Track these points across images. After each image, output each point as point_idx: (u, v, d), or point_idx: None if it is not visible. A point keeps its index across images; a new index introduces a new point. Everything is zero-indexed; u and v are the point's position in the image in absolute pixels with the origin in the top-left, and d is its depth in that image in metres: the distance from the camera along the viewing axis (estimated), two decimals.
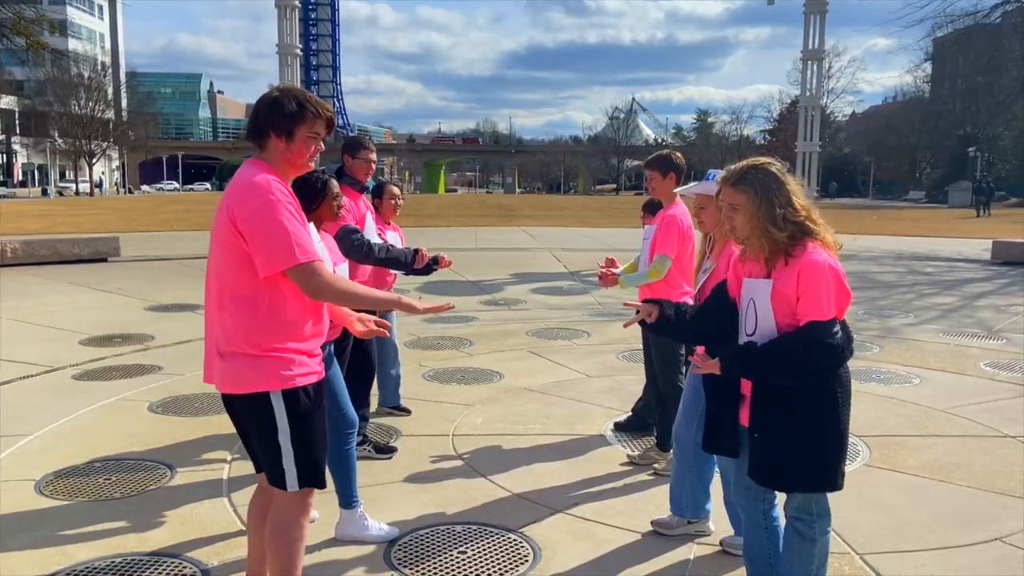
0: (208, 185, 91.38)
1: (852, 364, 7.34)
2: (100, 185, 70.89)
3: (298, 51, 15.34)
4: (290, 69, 15.18)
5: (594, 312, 10.24)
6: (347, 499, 3.72)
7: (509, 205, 46.86)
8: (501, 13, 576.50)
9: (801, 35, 16.70)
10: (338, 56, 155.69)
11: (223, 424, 5.37)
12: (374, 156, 4.85)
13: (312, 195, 3.64)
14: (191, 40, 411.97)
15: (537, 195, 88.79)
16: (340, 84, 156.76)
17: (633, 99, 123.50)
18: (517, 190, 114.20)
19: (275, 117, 2.66)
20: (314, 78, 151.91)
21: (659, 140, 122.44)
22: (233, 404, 2.76)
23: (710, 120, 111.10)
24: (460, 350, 7.90)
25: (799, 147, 17.28)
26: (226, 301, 2.63)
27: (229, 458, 4.74)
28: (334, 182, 3.74)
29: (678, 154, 4.73)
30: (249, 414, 2.73)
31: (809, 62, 16.45)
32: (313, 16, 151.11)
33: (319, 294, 2.63)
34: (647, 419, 5.26)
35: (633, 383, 6.45)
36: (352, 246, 4.36)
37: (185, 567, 3.41)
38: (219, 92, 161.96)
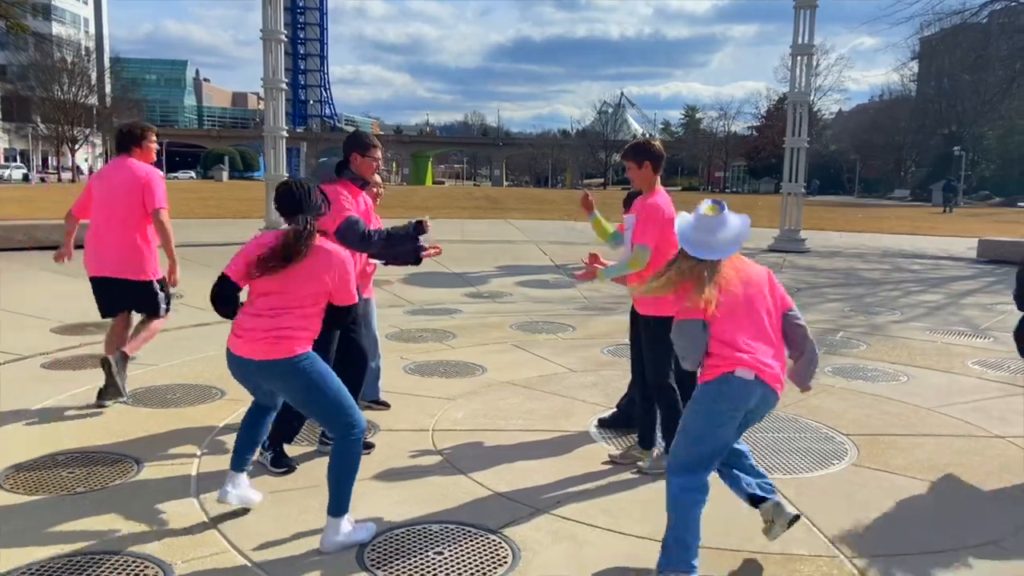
0: (192, 173, 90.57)
1: (838, 361, 7.14)
2: (80, 171, 70.04)
3: (283, 37, 14.97)
4: (274, 56, 14.83)
5: (579, 306, 10.12)
6: (340, 506, 3.44)
7: (496, 197, 46.71)
8: (490, 6, 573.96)
9: (789, 32, 16.64)
10: (326, 45, 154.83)
11: (195, 417, 5.22)
12: (380, 154, 4.73)
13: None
14: (178, 27, 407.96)
15: (524, 188, 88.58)
16: (327, 73, 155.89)
17: (622, 94, 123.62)
18: (504, 183, 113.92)
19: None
20: (301, 67, 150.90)
21: (647, 135, 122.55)
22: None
23: (698, 116, 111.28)
24: (443, 343, 7.76)
25: (787, 143, 17.10)
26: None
27: (199, 453, 4.57)
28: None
29: (655, 142, 4.60)
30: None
31: (799, 57, 16.31)
32: (301, 4, 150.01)
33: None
34: (632, 416, 5.15)
35: (618, 378, 6.33)
36: (357, 235, 4.26)
37: (148, 567, 3.26)
38: (205, 80, 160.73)
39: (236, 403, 5.43)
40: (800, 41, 16.75)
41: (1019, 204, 53.61)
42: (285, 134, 16.11)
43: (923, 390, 6.36)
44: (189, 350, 7.11)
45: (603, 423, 5.28)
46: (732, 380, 3.11)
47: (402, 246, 4.56)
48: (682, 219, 3.31)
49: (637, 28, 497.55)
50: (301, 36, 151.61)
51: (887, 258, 16.61)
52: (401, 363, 6.80)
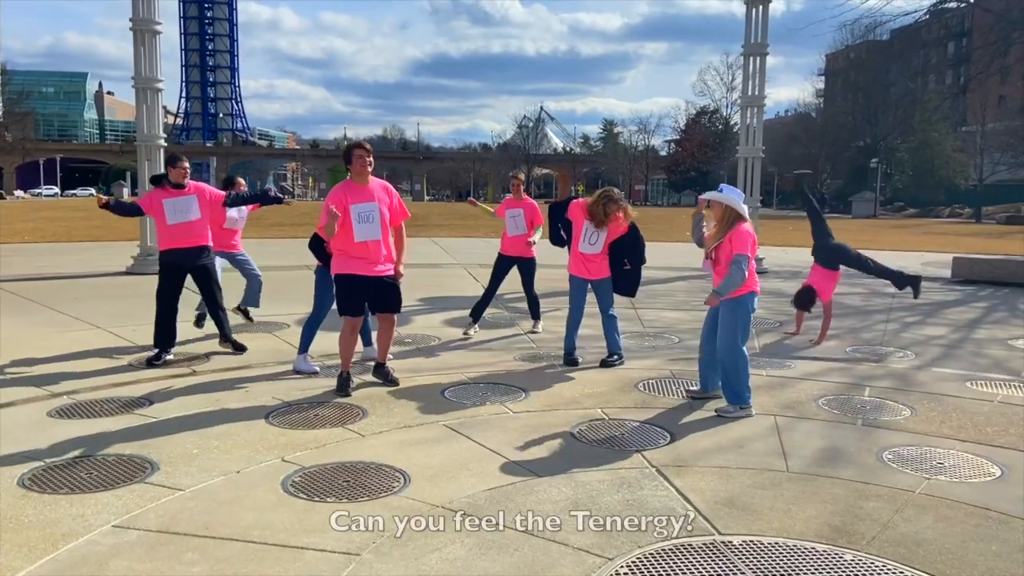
0: (93, 190, 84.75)
1: (892, 441, 4.86)
2: None
3: (158, 28, 12.48)
4: (148, 50, 12.20)
5: (527, 355, 8.01)
6: None
7: (417, 213, 44.29)
8: (406, 21, 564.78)
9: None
10: (236, 57, 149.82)
11: None
12: None
13: None
14: (80, 39, 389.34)
15: (447, 203, 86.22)
16: (239, 86, 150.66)
17: (541, 108, 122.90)
18: (426, 198, 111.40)
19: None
20: (210, 79, 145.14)
21: (567, 149, 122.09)
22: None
23: (616, 130, 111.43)
24: (345, 426, 5.51)
25: (740, 152, 15.54)
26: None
27: None
28: None
29: None
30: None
31: (752, 58, 14.69)
32: (209, 15, 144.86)
33: None
34: None
35: (608, 490, 4.25)
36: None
37: None
38: (109, 93, 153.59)
39: None
40: (752, 40, 15.15)
41: (981, 214, 52.60)
42: (163, 143, 13.51)
43: None
44: None
45: None
46: None
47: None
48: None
49: (552, 44, 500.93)
50: (210, 47, 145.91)
51: (853, 278, 15.04)
52: (283, 471, 4.53)
